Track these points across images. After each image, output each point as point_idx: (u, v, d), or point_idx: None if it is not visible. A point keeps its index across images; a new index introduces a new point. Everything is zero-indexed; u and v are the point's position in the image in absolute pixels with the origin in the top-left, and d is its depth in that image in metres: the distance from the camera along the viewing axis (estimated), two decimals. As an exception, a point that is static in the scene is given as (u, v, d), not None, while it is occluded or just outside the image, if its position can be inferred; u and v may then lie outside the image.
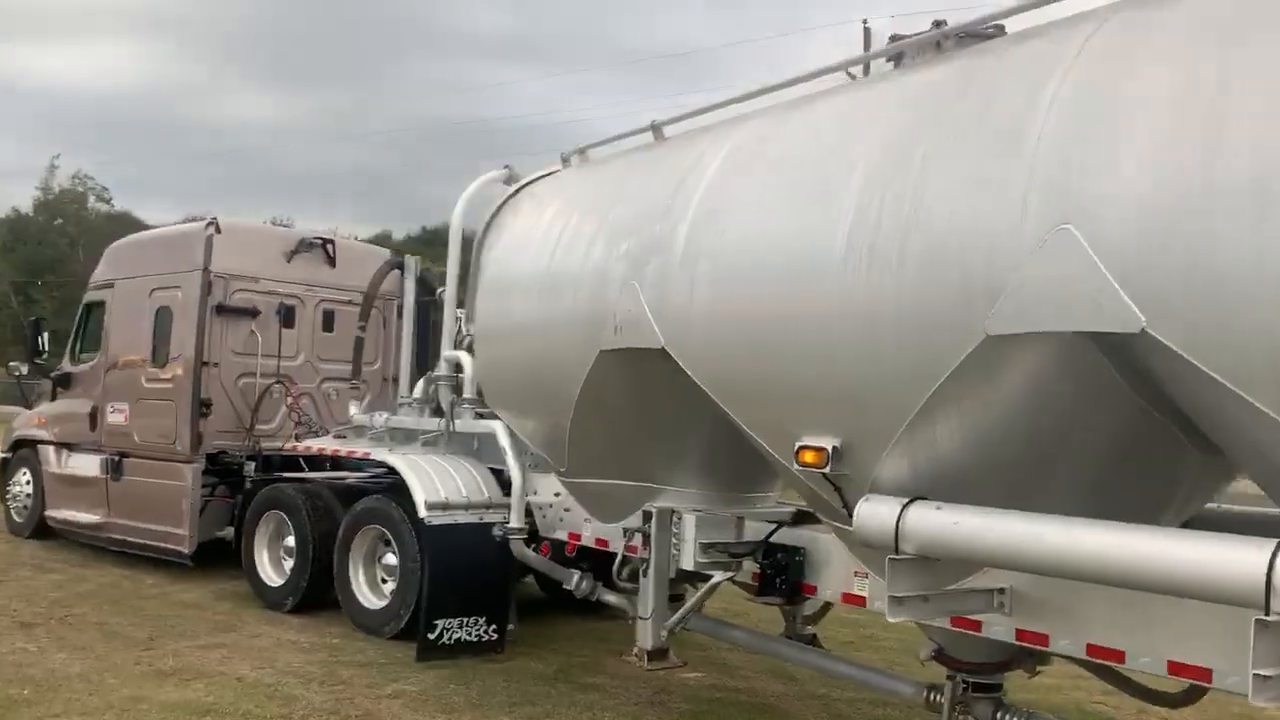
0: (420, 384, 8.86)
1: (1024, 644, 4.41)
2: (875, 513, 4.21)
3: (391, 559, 8.42)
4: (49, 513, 12.31)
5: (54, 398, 12.75)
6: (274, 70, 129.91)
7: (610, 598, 7.49)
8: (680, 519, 5.85)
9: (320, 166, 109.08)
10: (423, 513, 7.49)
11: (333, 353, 11.69)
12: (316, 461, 10.98)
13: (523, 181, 8.11)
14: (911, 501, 4.16)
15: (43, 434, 12.62)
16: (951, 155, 4.06)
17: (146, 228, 74.38)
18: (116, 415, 11.45)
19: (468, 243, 8.08)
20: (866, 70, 5.35)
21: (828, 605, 6.63)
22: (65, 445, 12.39)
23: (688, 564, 5.77)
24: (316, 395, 11.49)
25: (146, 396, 11.07)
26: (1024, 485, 4.19)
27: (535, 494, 7.58)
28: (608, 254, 5.93)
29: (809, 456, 4.58)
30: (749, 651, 7.75)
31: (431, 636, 7.40)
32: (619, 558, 6.34)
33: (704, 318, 5.14)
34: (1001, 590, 4.41)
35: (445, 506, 7.52)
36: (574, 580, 7.48)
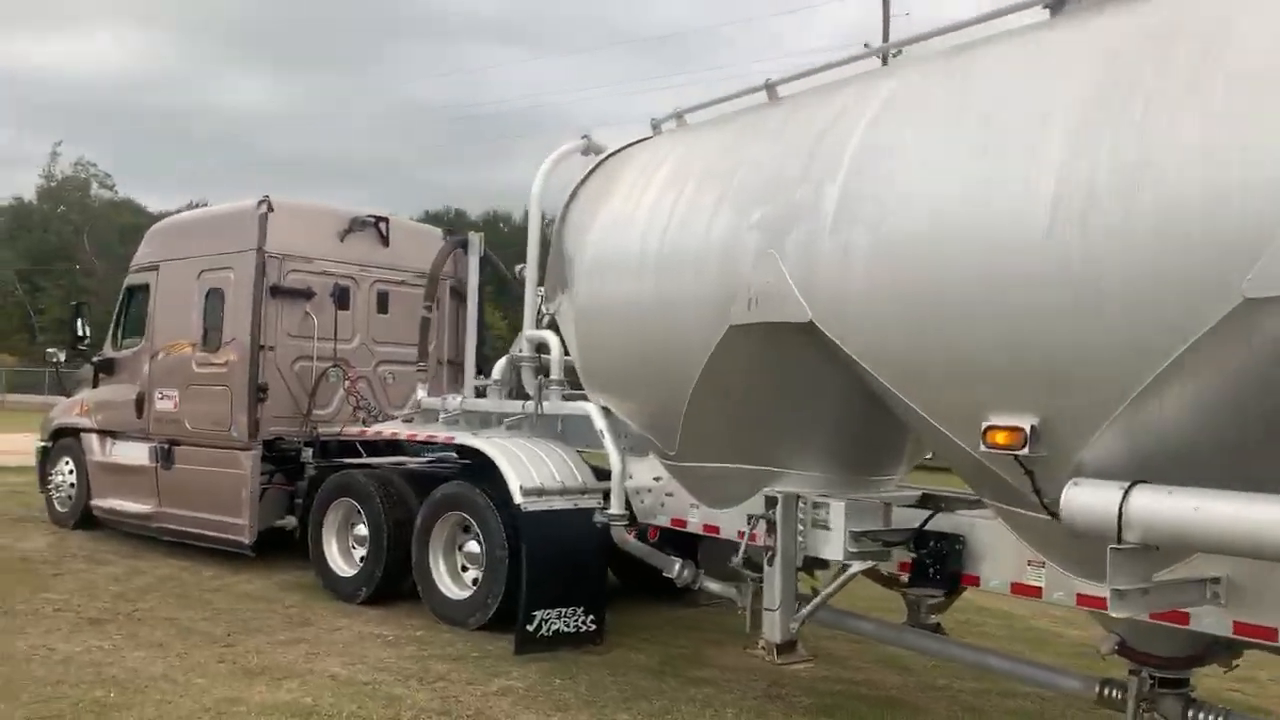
0: (500, 365, 8.48)
1: (1243, 638, 4.06)
2: (1093, 498, 3.85)
3: (474, 547, 8.08)
4: (95, 502, 11.97)
5: (95, 384, 12.38)
6: (269, 55, 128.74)
7: (714, 586, 7.15)
8: (825, 506, 5.47)
9: (317, 150, 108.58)
10: (518, 499, 7.12)
11: (388, 335, 11.34)
12: (374, 447, 10.75)
13: (607, 152, 7.73)
14: (1133, 485, 3.79)
15: (85, 422, 12.27)
16: (1184, 105, 3.67)
17: (150, 214, 73.92)
18: (165, 402, 11.09)
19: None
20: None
21: (954, 594, 6.35)
22: (109, 433, 12.04)
23: (835, 554, 5.41)
24: (373, 379, 11.13)
25: (198, 382, 10.70)
26: (1247, 468, 3.82)
27: (631, 478, 7.22)
28: (736, 224, 5.54)
29: (1001, 437, 4.22)
30: (855, 641, 7.45)
31: (530, 628, 7.05)
32: (742, 547, 5.97)
33: (863, 288, 4.76)
34: (1216, 580, 4.06)
35: (541, 492, 7.16)
36: (676, 568, 7.13)
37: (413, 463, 9.92)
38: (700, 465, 6.37)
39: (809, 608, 5.88)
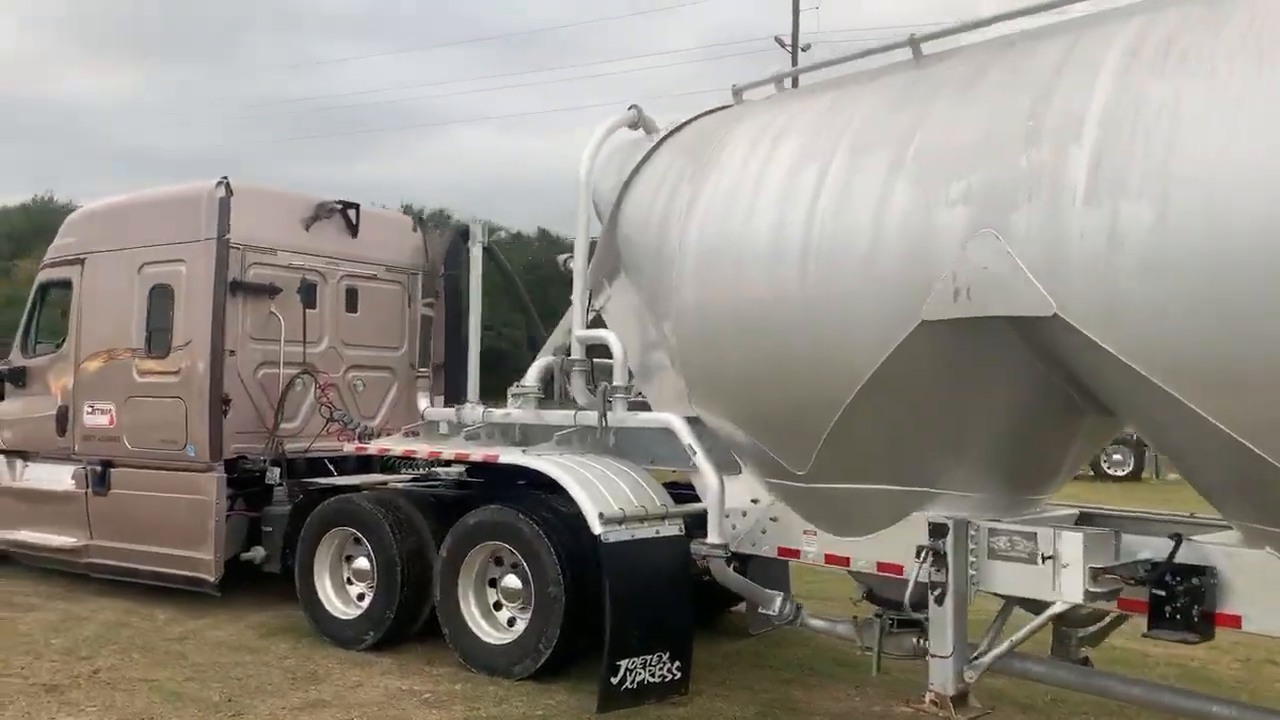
0: (535, 370, 7.33)
1: None
2: None
3: (514, 582, 6.94)
4: (1, 534, 10.26)
5: (0, 397, 10.65)
6: (112, 47, 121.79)
7: (819, 624, 6.24)
8: (1057, 537, 4.59)
9: (168, 143, 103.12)
10: (598, 529, 6.02)
11: (358, 337, 10.04)
12: (342, 466, 9.49)
13: (674, 126, 6.73)
14: None
15: (-10, 441, 10.53)
16: None
17: None
18: (96, 416, 9.52)
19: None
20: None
21: (1111, 625, 5.59)
22: (19, 454, 10.37)
23: (1074, 595, 4.53)
24: (342, 386, 9.81)
25: (141, 393, 9.19)
26: None
27: (719, 501, 6.23)
28: (925, 199, 4.62)
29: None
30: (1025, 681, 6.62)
31: (614, 680, 5.97)
32: (911, 584, 5.04)
33: (1138, 275, 3.90)
34: None
35: (622, 520, 6.08)
36: (777, 604, 6.18)
37: (393, 481, 8.70)
38: (837, 487, 5.42)
39: (993, 653, 5.02)
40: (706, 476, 6.02)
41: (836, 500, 5.50)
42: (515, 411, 7.39)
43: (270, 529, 8.76)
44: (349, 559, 7.94)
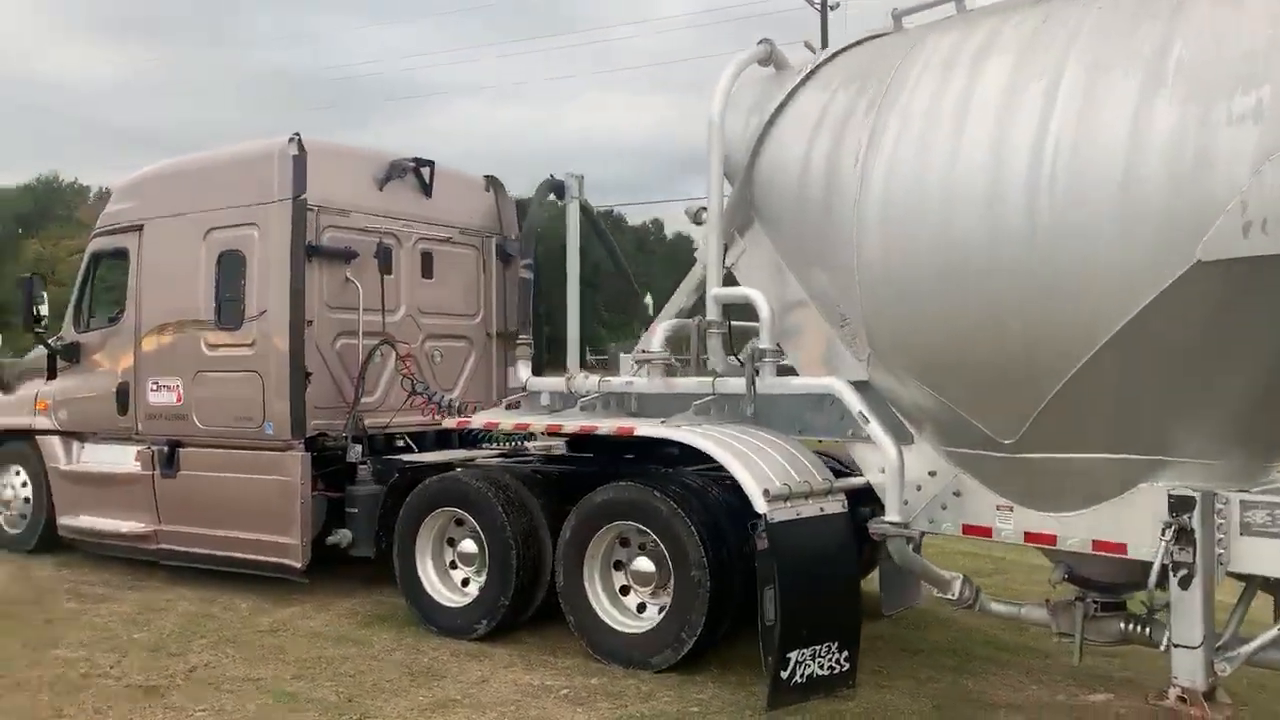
0: (659, 334, 6.68)
1: None
2: None
3: (645, 565, 6.35)
4: (63, 520, 9.66)
5: (52, 375, 10.03)
6: (102, 23, 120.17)
7: (1001, 608, 5.65)
8: None
9: (163, 120, 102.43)
10: (762, 507, 5.40)
11: (435, 304, 9.40)
12: (422, 441, 8.91)
13: (819, 59, 6.06)
14: None
15: (43, 421, 9.91)
16: None
17: None
18: (162, 393, 8.89)
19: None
20: None
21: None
22: (77, 435, 9.77)
23: None
24: (420, 357, 9.18)
25: (211, 368, 8.56)
26: None
27: (884, 471, 5.61)
28: (1199, 117, 3.96)
29: None
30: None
31: (784, 674, 5.37)
32: (1156, 565, 4.42)
33: None
34: None
35: (788, 497, 5.46)
36: (957, 586, 5.58)
37: (480, 457, 8.10)
38: (1052, 456, 4.79)
39: (1255, 643, 4.41)
40: (884, 447, 5.40)
41: (1048, 471, 4.87)
42: (640, 380, 6.76)
43: (356, 510, 8.15)
44: (451, 541, 7.35)
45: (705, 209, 6.33)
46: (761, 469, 5.58)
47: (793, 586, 5.35)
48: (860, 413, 5.52)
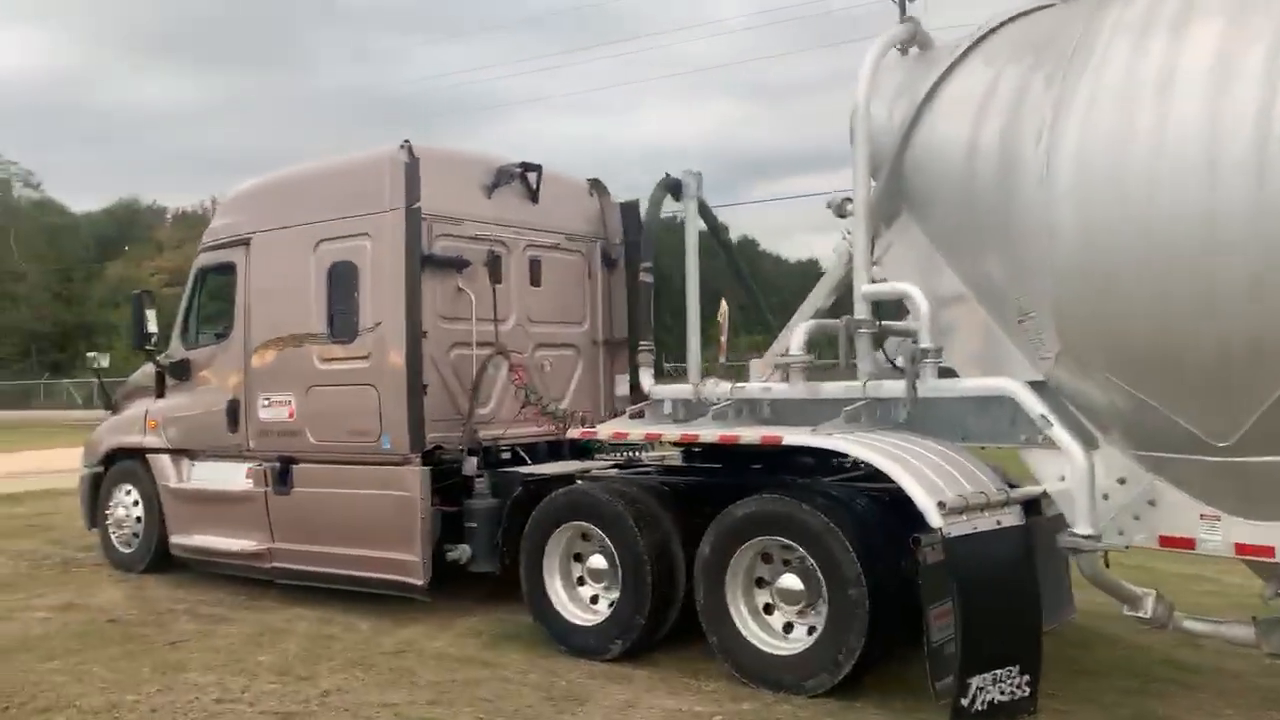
0: (800, 335, 6.32)
1: None
2: None
3: (791, 582, 6.00)
4: (175, 540, 9.60)
5: (160, 393, 9.99)
6: (175, 53, 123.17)
7: (1198, 626, 5.20)
8: None
9: (237, 144, 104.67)
10: (937, 521, 5.03)
11: (543, 312, 9.16)
12: (533, 453, 8.69)
13: (980, 32, 5.66)
14: None
15: (153, 440, 9.87)
16: None
17: (74, 214, 70.32)
18: (273, 409, 8.77)
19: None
20: None
21: None
22: (186, 453, 9.70)
23: None
24: (530, 367, 8.93)
25: (324, 382, 8.41)
26: None
27: (1063, 479, 5.20)
28: None
29: None
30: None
31: (964, 702, 4.98)
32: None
33: None
34: None
35: (964, 510, 5.07)
36: (1149, 604, 5.15)
37: (593, 468, 7.81)
38: (1276, 460, 4.34)
39: None
40: (1071, 452, 4.99)
41: (1269, 477, 4.42)
42: (780, 385, 6.41)
43: (475, 524, 7.92)
44: (578, 557, 7.08)
45: (849, 200, 5.97)
46: (932, 480, 5.20)
47: (973, 607, 4.97)
48: (1042, 415, 5.12)
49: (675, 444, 6.86)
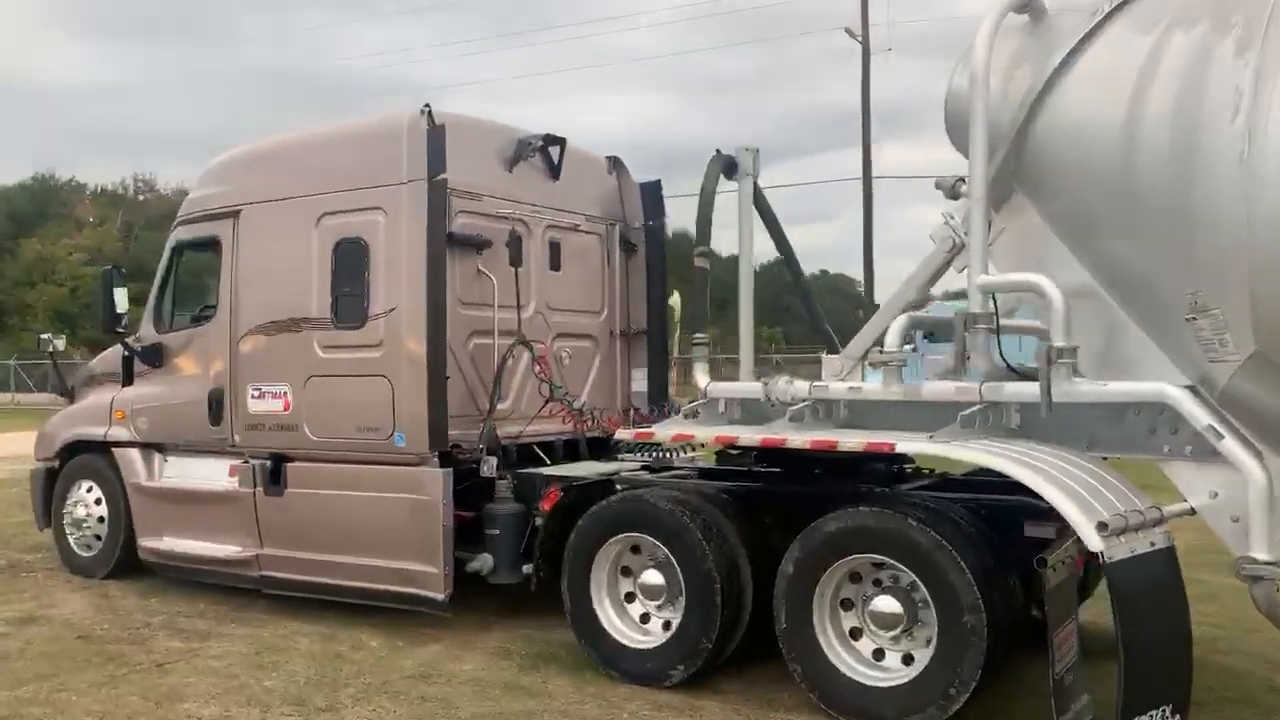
0: (896, 330, 5.70)
1: None
2: None
3: (886, 605, 5.38)
4: (144, 542, 8.66)
5: (129, 381, 9.01)
6: (89, 22, 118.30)
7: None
8: None
9: (151, 120, 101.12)
10: (1097, 545, 4.44)
11: (562, 299, 8.43)
12: (550, 452, 8.01)
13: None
14: None
15: (121, 433, 8.89)
16: None
17: None
18: (266, 401, 7.89)
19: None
20: None
21: None
22: (157, 447, 8.76)
23: None
24: (549, 359, 8.19)
25: (327, 372, 7.56)
26: None
27: (1215, 495, 4.68)
28: None
29: None
30: None
31: (1119, 748, 4.42)
32: None
33: None
34: None
35: (1123, 531, 4.50)
36: (1312, 635, 4.64)
37: (673, 474, 7.11)
38: None
39: None
40: (1247, 469, 4.45)
41: None
42: (871, 385, 5.79)
43: (497, 532, 7.18)
44: (624, 571, 6.38)
45: (963, 180, 5.36)
46: (1085, 498, 4.61)
47: (1136, 639, 4.40)
48: (1211, 426, 4.56)
49: (746, 449, 6.16)
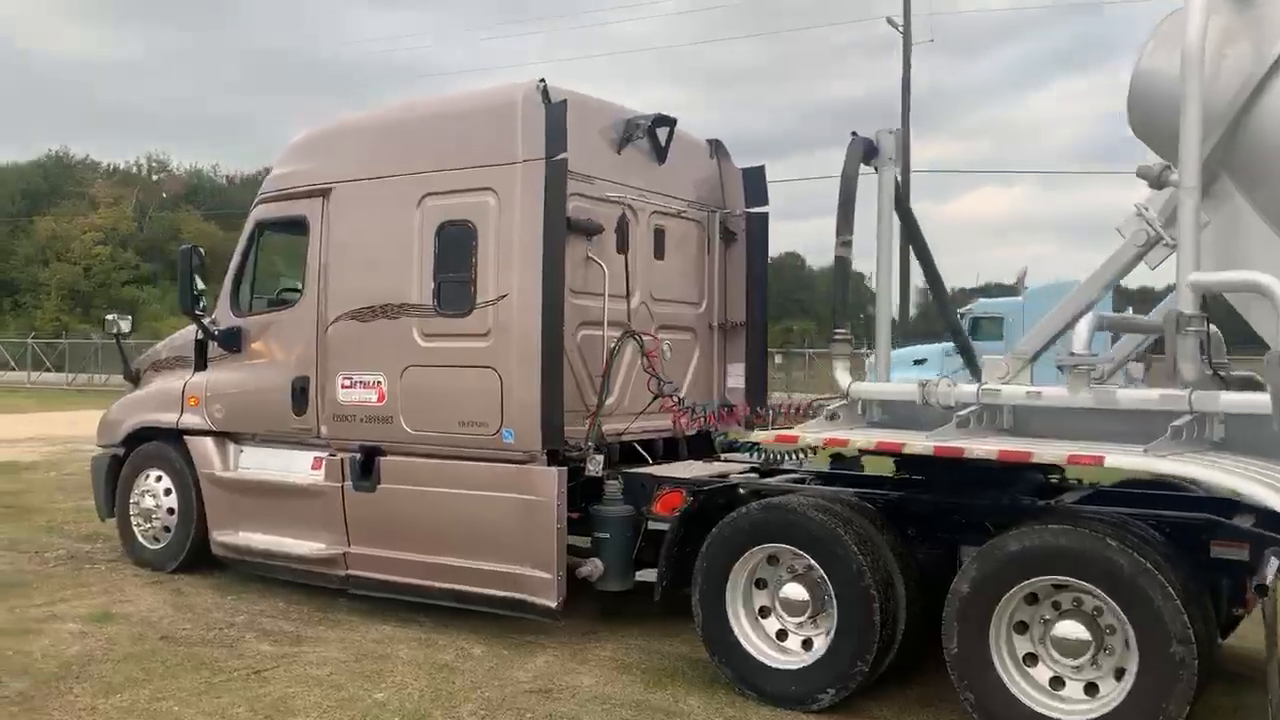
0: (1084, 332, 5.25)
1: None
2: None
3: (1072, 631, 4.94)
4: (217, 535, 8.24)
5: (201, 365, 8.58)
6: (104, 4, 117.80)
7: None
8: None
9: (167, 102, 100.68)
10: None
11: (665, 289, 7.99)
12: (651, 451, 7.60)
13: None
14: None
15: (195, 420, 8.46)
16: None
17: None
18: (357, 391, 7.46)
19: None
20: None
21: None
22: (231, 436, 8.33)
23: None
24: (658, 352, 7.74)
25: (427, 361, 7.12)
26: None
27: None
28: None
29: None
30: None
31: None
32: None
33: None
34: None
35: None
36: None
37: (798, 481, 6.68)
38: None
39: None
40: None
41: None
42: (1053, 390, 5.33)
43: (607, 535, 6.77)
44: (759, 584, 5.95)
45: (1170, 168, 4.90)
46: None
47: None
48: None
49: (914, 457, 5.67)
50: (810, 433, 5.98)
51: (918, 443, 5.38)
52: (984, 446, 5.14)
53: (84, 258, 59.59)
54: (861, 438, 5.76)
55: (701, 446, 8.10)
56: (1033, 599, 5.12)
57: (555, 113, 6.66)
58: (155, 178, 74.90)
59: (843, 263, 6.31)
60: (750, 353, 8.59)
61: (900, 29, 30.65)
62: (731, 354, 8.62)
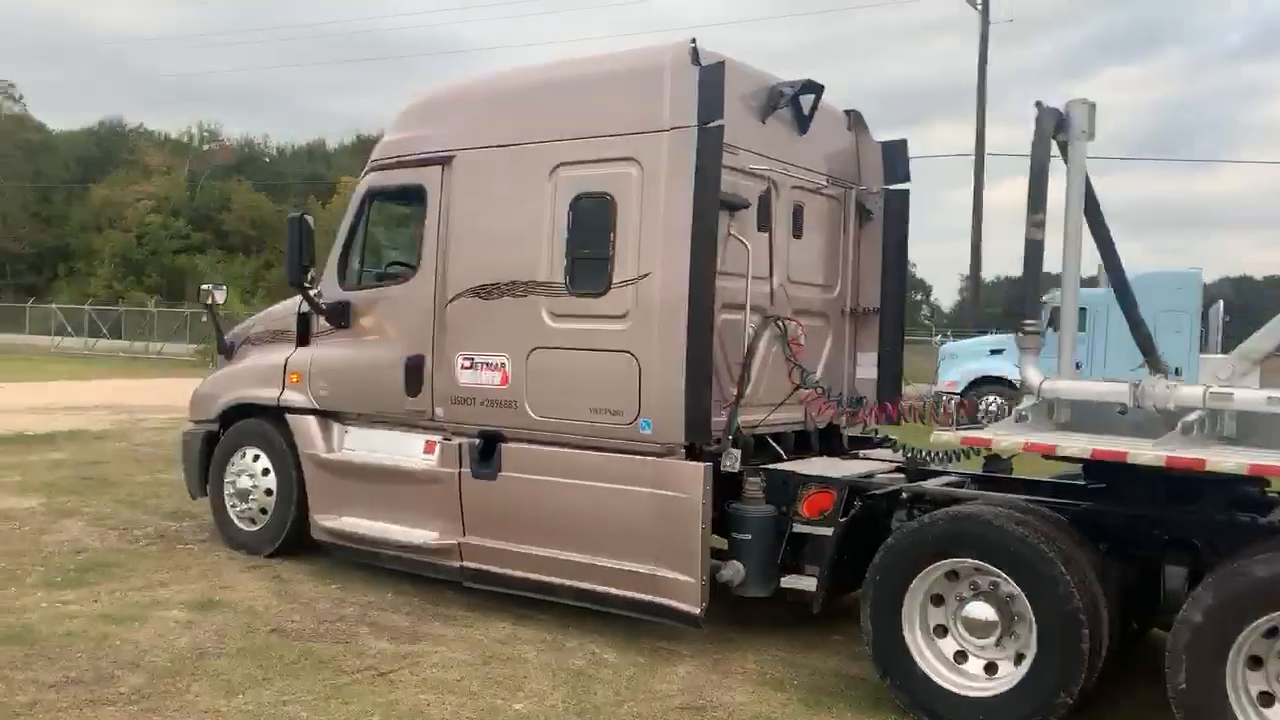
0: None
1: None
2: None
3: (1321, 669, 4.37)
4: (319, 519, 7.80)
5: (304, 340, 8.14)
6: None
7: None
8: None
9: (208, 72, 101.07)
10: None
11: (801, 270, 7.42)
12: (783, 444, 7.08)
13: None
14: None
15: (295, 397, 8.04)
16: None
17: (50, 133, 69.50)
18: (478, 372, 6.98)
19: None
20: None
21: None
22: (334, 415, 7.90)
23: None
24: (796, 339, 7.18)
25: (557, 343, 6.62)
26: None
27: None
28: None
29: None
30: None
31: None
32: None
33: None
34: None
35: None
36: None
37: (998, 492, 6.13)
38: None
39: None
40: None
41: None
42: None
43: (748, 536, 6.25)
44: (935, 599, 5.40)
45: None
46: None
47: None
48: None
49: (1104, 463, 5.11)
50: (1003, 435, 5.39)
51: (1145, 452, 4.77)
52: (1233, 459, 4.54)
53: (137, 225, 59.81)
54: (1071, 444, 5.13)
55: (829, 441, 7.57)
56: (1273, 632, 4.55)
57: (710, 75, 6.12)
58: (206, 147, 75.01)
59: (1035, 245, 5.69)
60: (885, 341, 8.00)
61: (979, 8, 29.67)
62: (863, 342, 8.04)
